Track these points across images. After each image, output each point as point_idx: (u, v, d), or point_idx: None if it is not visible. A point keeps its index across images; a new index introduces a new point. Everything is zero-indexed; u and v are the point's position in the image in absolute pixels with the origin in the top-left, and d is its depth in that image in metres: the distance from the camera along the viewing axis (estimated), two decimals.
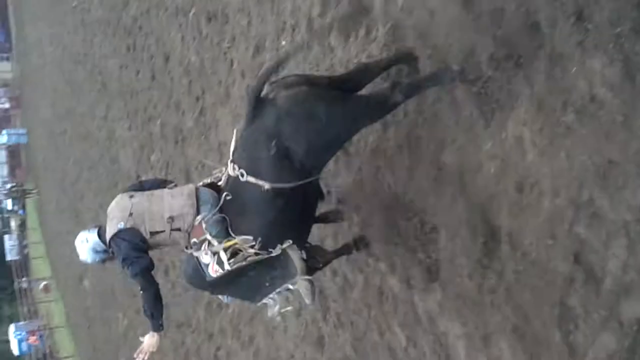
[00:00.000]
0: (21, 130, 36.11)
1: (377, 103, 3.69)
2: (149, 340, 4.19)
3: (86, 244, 4.25)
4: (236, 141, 3.86)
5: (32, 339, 30.71)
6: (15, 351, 34.64)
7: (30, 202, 39.35)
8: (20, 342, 33.22)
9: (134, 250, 3.92)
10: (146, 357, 4.24)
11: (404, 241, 4.38)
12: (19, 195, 35.48)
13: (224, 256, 3.86)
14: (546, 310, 3.26)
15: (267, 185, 3.58)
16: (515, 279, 3.45)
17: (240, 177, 3.67)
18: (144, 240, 3.91)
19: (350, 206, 4.95)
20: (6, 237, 43.32)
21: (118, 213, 3.96)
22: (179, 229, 3.90)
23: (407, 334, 4.45)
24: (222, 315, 7.88)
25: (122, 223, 3.91)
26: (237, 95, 7.09)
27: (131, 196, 4.05)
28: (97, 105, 14.50)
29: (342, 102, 3.61)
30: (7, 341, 37.80)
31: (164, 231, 3.89)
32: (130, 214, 3.91)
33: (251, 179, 3.62)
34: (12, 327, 35.61)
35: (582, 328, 3.08)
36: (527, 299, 3.39)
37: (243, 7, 6.79)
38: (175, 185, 4.19)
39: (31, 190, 35.10)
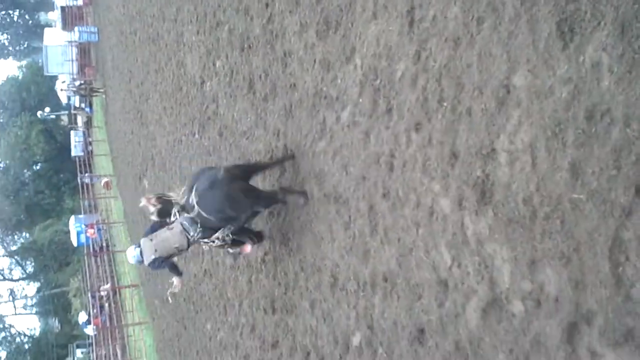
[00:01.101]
0: (92, 29, 36.64)
1: (269, 198, 7.37)
2: (177, 282, 8.47)
3: (132, 254, 7.58)
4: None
5: (90, 232, 31.98)
6: (74, 242, 36.33)
7: (97, 101, 40.26)
8: (79, 234, 34.75)
9: (162, 262, 7.46)
10: (176, 290, 8.91)
11: (463, 159, 4.34)
12: (86, 93, 36.25)
13: (212, 243, 7.35)
14: (599, 240, 3.22)
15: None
16: (572, 208, 3.40)
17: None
18: (164, 259, 7.43)
19: None
20: (72, 133, 44.71)
21: (148, 251, 7.31)
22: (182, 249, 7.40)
23: (453, 255, 4.47)
24: (272, 223, 8.04)
25: (153, 256, 7.31)
26: (307, 3, 6.98)
27: (151, 239, 7.38)
28: (167, 8, 14.51)
29: (249, 194, 7.04)
30: (67, 232, 39.64)
31: (174, 253, 7.47)
32: (155, 250, 7.28)
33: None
34: (72, 219, 37.23)
35: (633, 261, 3.04)
36: (580, 229, 3.35)
37: None
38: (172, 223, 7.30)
39: (98, 89, 35.83)
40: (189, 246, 7.29)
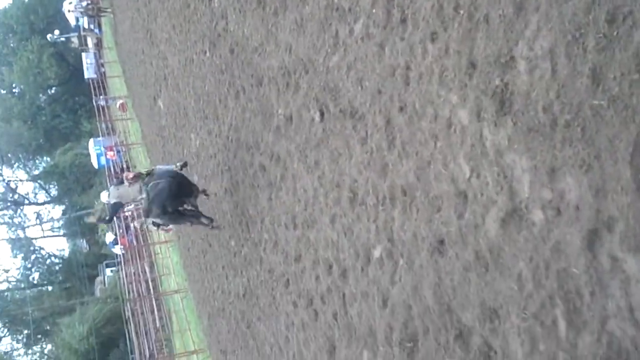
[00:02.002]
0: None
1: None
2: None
3: (105, 195, 11.85)
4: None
5: (110, 154, 32.26)
6: (95, 164, 36.74)
7: (105, 21, 39.70)
8: (99, 156, 35.13)
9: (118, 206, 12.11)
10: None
11: (481, 68, 4.25)
12: (94, 14, 35.62)
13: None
14: (620, 146, 3.17)
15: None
16: (593, 115, 3.33)
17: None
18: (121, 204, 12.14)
19: None
20: (83, 55, 44.34)
21: (113, 196, 11.30)
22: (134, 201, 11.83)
23: (472, 166, 4.44)
24: (290, 140, 8.03)
25: (114, 200, 11.37)
26: None
27: (117, 188, 11.30)
28: None
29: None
30: (88, 155, 40.04)
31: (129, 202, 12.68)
32: (118, 197, 11.29)
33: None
34: (91, 142, 37.51)
35: None
36: (601, 135, 3.29)
37: None
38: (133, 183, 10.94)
39: (106, 8, 35.24)
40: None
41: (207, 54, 11.87)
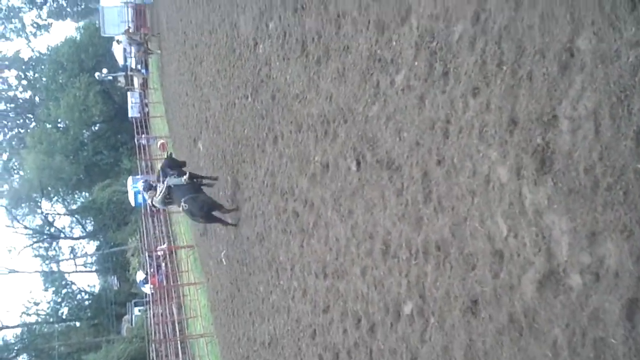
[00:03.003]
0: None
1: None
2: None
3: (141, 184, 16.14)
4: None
5: None
6: (132, 202, 37.14)
7: (152, 62, 40.66)
8: (136, 194, 35.48)
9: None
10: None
11: (522, 125, 4.18)
12: (143, 41, 35.95)
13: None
14: None
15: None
16: (636, 178, 3.23)
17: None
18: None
19: None
20: (129, 94, 45.38)
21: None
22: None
23: (510, 225, 4.34)
24: (325, 187, 7.99)
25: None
26: None
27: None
28: None
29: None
30: (125, 192, 40.56)
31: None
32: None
33: None
34: (130, 180, 38.02)
35: None
36: None
37: None
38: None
39: (153, 51, 36.11)
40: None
41: (249, 98, 11.99)
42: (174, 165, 14.51)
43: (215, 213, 13.63)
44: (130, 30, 37.35)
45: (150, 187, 14.80)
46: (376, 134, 6.47)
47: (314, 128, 8.39)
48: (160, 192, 13.65)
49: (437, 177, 5.30)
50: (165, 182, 13.47)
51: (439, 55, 5.27)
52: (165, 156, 15.80)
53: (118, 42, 43.15)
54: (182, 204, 12.90)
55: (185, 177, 13.49)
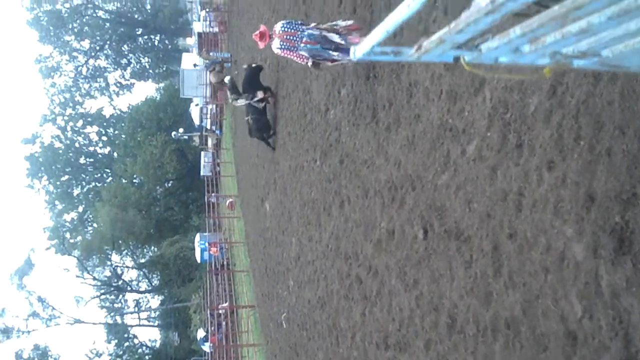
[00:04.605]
0: (226, 54, 37.97)
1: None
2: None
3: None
4: None
5: (213, 250, 32.96)
6: (198, 259, 37.61)
7: (226, 123, 41.67)
8: (202, 251, 35.95)
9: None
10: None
11: (600, 203, 3.99)
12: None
13: None
14: None
15: None
16: None
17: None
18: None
19: None
20: (202, 153, 46.55)
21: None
22: None
23: (585, 306, 4.10)
24: (391, 254, 7.85)
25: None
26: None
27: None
28: None
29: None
30: (192, 249, 41.13)
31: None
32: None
33: None
34: (197, 237, 38.59)
35: None
36: None
37: None
38: None
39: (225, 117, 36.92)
40: None
41: (317, 162, 12.05)
42: (254, 83, 16.98)
43: (265, 135, 17.59)
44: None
45: (234, 87, 18.44)
46: (445, 203, 6.33)
47: (381, 194, 8.31)
48: (240, 103, 17.66)
49: (508, 251, 5.11)
50: (248, 101, 16.87)
51: (512, 126, 5.15)
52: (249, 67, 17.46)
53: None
54: (249, 117, 17.21)
55: (261, 104, 16.91)
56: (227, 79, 19.54)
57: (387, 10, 8.40)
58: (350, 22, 9.63)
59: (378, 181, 8.43)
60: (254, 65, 17.42)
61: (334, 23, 9.65)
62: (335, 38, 9.39)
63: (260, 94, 16.68)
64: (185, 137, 55.97)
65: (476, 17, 1.96)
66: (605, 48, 2.21)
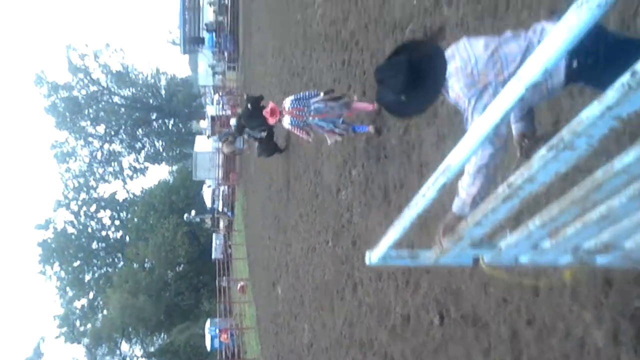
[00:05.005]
0: (238, 145, 38.51)
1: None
2: None
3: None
4: None
5: (224, 336, 32.31)
6: (208, 346, 36.89)
7: (238, 205, 41.80)
8: (213, 338, 35.34)
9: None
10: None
11: (617, 285, 3.86)
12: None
13: None
14: None
15: None
16: None
17: None
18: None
19: None
20: (214, 235, 46.49)
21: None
22: None
23: None
24: (406, 341, 7.62)
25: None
26: (444, 115, 6.84)
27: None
28: None
29: None
30: (203, 335, 40.47)
31: None
32: None
33: None
34: (208, 323, 38.01)
35: None
36: None
37: (462, 22, 6.56)
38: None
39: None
40: None
41: (330, 243, 11.94)
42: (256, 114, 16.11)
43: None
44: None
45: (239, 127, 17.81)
46: (460, 286, 6.17)
47: (394, 277, 8.16)
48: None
49: (527, 338, 4.92)
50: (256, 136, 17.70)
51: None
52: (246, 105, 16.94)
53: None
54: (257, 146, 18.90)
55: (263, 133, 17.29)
56: (232, 121, 20.14)
57: None
58: (355, 98, 9.92)
59: None
60: (253, 96, 16.97)
61: (339, 95, 10.01)
62: (340, 103, 9.87)
63: (264, 134, 17.39)
64: (197, 219, 56.09)
65: (494, 204, 1.91)
66: (628, 238, 2.14)
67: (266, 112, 10.88)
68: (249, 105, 16.07)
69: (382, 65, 3.31)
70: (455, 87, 3.18)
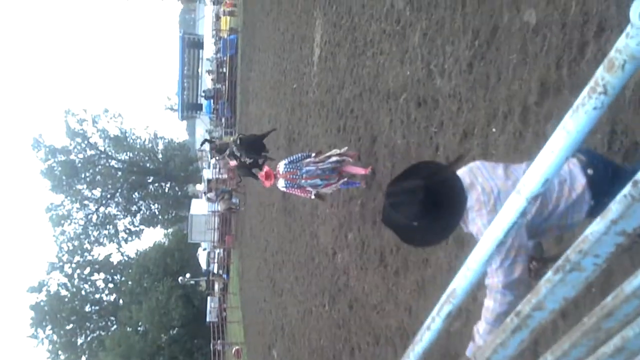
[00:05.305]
0: (234, 200, 38.70)
1: None
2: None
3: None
4: None
5: None
6: None
7: (233, 268, 41.61)
8: None
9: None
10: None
11: None
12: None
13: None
14: None
15: None
16: None
17: None
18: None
19: None
20: (209, 298, 46.11)
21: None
22: None
23: None
24: None
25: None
26: None
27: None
28: None
29: None
30: None
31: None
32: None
33: None
34: None
35: None
36: None
37: (454, 93, 6.77)
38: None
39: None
40: None
41: (326, 307, 11.94)
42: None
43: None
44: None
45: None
46: (459, 352, 6.21)
47: (392, 341, 8.17)
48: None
49: None
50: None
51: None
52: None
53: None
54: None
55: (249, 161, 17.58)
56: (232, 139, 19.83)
57: (391, 157, 8.69)
58: (344, 149, 10.13)
59: (389, 328, 8.31)
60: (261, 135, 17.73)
61: (329, 154, 10.25)
62: (332, 166, 10.15)
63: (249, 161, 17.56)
64: (192, 282, 55.71)
65: (503, 338, 1.73)
66: None
67: (261, 176, 11.07)
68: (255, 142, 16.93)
69: (396, 189, 3.03)
70: (478, 222, 2.99)
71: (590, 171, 3.04)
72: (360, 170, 9.93)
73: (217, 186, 39.59)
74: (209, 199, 40.39)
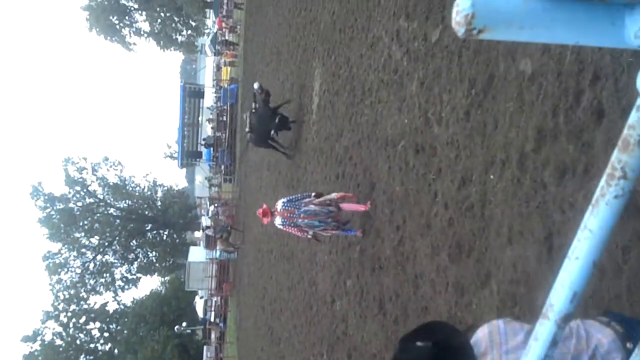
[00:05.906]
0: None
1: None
2: None
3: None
4: None
5: None
6: None
7: (230, 317, 41.17)
8: None
9: None
10: None
11: None
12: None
13: None
14: None
15: None
16: None
17: None
18: None
19: None
20: (205, 347, 45.49)
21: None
22: None
23: None
24: None
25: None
26: (438, 227, 7.00)
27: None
28: None
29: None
30: None
31: None
32: None
33: None
34: None
35: None
36: None
37: (452, 141, 6.83)
38: None
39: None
40: None
41: (324, 356, 11.78)
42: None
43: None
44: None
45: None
46: None
47: None
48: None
49: None
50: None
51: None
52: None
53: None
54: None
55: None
56: (256, 85, 19.23)
57: (390, 204, 8.71)
58: (342, 193, 10.37)
59: None
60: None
61: (329, 197, 10.33)
62: (330, 209, 10.25)
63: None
64: (189, 331, 55.06)
65: None
66: None
67: (259, 213, 11.09)
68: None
69: (406, 347, 2.47)
70: None
71: (630, 345, 2.33)
72: (359, 207, 9.97)
73: (218, 222, 39.52)
74: (208, 236, 40.30)
